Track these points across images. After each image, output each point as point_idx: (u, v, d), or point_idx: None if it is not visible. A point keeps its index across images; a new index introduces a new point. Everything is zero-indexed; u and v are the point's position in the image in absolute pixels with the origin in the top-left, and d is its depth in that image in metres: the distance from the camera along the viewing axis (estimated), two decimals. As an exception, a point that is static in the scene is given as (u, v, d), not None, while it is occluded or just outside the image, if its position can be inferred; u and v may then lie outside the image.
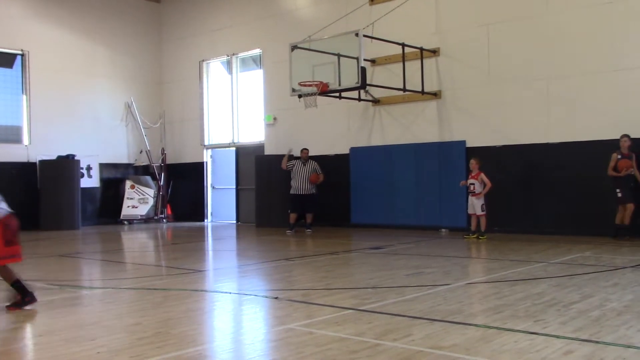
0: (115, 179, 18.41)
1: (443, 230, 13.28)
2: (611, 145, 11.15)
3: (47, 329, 5.07)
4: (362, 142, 14.97)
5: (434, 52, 13.67)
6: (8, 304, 5.69)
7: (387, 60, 14.19)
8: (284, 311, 5.55)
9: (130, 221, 17.92)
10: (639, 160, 11.06)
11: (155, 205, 18.32)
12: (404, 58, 13.16)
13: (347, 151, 15.18)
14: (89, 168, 17.62)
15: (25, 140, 16.65)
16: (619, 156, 10.96)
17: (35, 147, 16.60)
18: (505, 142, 12.80)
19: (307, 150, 14.42)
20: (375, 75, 14.31)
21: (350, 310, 5.40)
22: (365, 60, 12.58)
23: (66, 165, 16.40)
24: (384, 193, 14.41)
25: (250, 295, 6.45)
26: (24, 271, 8.76)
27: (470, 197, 11.79)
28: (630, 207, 10.81)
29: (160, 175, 18.66)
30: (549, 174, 12.27)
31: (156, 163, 18.77)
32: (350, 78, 12.24)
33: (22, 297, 5.71)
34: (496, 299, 5.82)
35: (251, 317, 5.62)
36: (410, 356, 3.98)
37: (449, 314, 5.15)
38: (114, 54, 18.51)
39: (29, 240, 13.34)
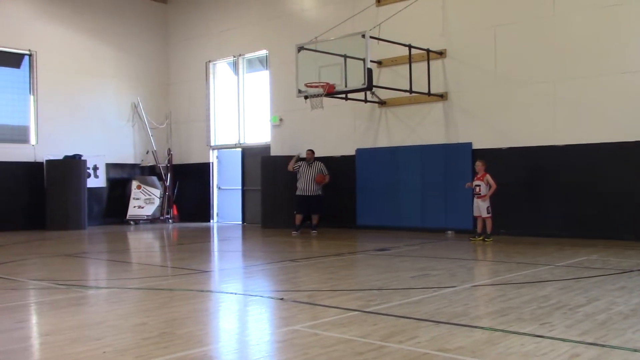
0: (121, 179, 18.46)
1: (449, 232, 13.25)
2: (618, 147, 11.10)
3: (53, 328, 5.08)
4: (368, 144, 14.96)
5: (441, 53, 13.66)
6: None
7: (394, 61, 14.18)
8: (289, 312, 5.55)
9: (137, 221, 17.97)
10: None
11: (161, 206, 18.39)
12: (410, 59, 13.14)
13: (353, 152, 15.17)
14: (95, 168, 17.68)
15: (32, 140, 16.71)
16: None
17: (42, 147, 16.66)
18: (512, 144, 12.76)
19: (312, 151, 14.40)
20: (382, 77, 14.30)
21: (356, 312, 5.40)
22: (371, 61, 12.59)
23: (73, 165, 16.44)
24: (390, 194, 14.39)
25: (255, 296, 6.45)
26: (30, 271, 8.86)
27: (475, 200, 11.76)
28: None
29: (166, 175, 18.71)
30: (555, 176, 12.23)
31: (162, 163, 18.82)
32: (356, 79, 12.22)
33: None
34: (502, 301, 5.81)
35: (256, 318, 5.62)
36: (415, 358, 3.98)
37: (454, 317, 5.14)
38: (121, 54, 18.57)
39: (35, 240, 13.43)
